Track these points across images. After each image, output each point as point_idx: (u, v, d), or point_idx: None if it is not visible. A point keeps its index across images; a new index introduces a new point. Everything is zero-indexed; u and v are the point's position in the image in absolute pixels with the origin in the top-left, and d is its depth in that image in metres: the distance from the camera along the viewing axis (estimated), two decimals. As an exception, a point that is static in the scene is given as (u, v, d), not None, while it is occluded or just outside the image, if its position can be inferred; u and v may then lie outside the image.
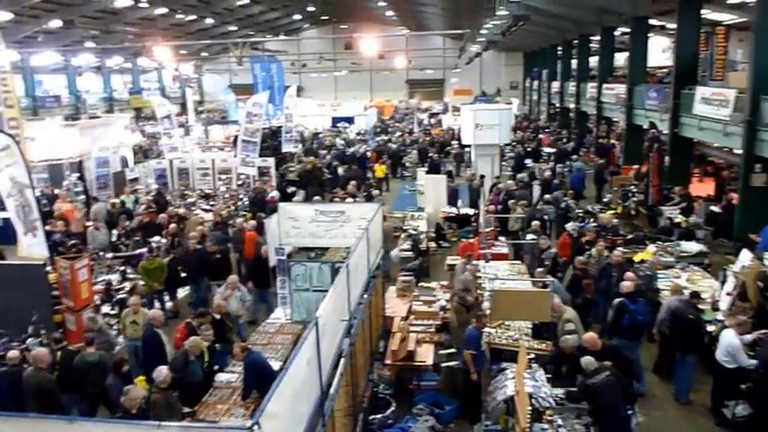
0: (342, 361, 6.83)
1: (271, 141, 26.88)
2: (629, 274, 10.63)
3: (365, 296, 8.77)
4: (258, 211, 17.35)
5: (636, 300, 10.06)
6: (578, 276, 11.93)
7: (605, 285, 11.44)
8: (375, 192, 20.53)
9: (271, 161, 22.59)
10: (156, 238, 15.18)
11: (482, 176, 21.02)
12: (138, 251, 14.57)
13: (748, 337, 9.08)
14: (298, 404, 4.88)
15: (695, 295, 10.30)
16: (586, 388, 7.78)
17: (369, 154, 29.50)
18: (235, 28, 49.11)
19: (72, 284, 10.60)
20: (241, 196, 20.98)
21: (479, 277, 11.37)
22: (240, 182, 22.53)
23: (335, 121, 44.18)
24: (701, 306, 10.47)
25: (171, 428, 3.83)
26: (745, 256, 11.57)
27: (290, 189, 22.08)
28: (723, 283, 11.41)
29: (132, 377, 8.87)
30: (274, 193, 19.76)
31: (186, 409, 7.88)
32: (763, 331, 9.14)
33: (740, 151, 16.41)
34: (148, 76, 54.42)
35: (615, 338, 9.73)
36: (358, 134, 39.54)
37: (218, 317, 9.96)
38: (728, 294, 11.00)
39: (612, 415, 7.78)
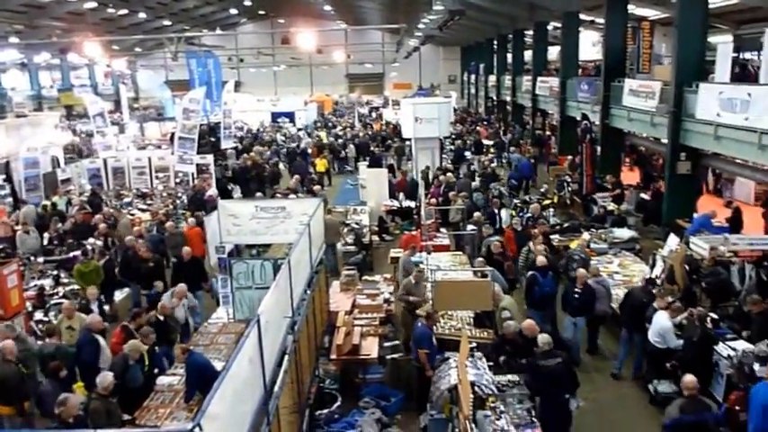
0: (286, 358, 6.84)
1: (209, 138, 26.48)
2: (581, 271, 10.91)
3: (308, 292, 8.78)
4: (198, 210, 17.10)
5: (545, 273, 11.01)
6: (498, 260, 12.33)
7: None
8: (317, 187, 20.48)
9: (209, 158, 22.28)
10: (91, 240, 14.78)
11: (440, 169, 21.35)
12: (71, 254, 14.12)
13: (678, 319, 9.50)
14: (240, 404, 4.87)
15: (651, 282, 10.86)
16: (537, 368, 8.06)
17: (309, 149, 29.41)
18: (169, 23, 48.06)
19: (0, 291, 10.23)
20: (179, 195, 20.62)
21: (422, 271, 11.49)
22: (178, 180, 22.13)
23: (275, 116, 43.78)
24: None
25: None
26: (673, 241, 12.11)
27: (230, 186, 21.87)
28: (652, 267, 11.90)
29: (70, 383, 8.65)
30: (213, 191, 19.51)
31: (126, 416, 7.74)
32: (689, 311, 9.54)
33: (666, 141, 17.06)
34: (79, 73, 52.61)
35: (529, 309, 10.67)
36: (300, 129, 39.35)
37: (162, 318, 9.80)
38: (657, 277, 11.47)
39: (554, 399, 8.12)
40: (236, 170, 23.61)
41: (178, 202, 19.74)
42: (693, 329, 9.08)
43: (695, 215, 15.40)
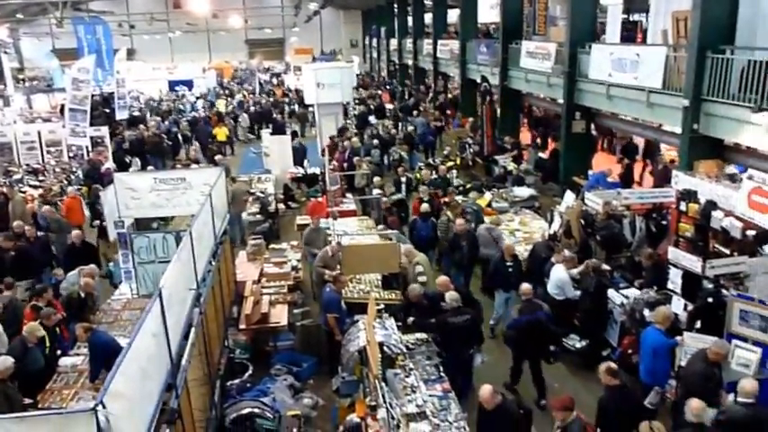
0: (192, 330, 6.74)
1: (102, 109, 25.29)
2: (508, 243, 11.13)
3: (213, 263, 8.64)
4: (94, 184, 16.39)
5: (426, 219, 12.28)
6: (384, 216, 13.09)
7: (458, 257, 11.44)
8: (218, 156, 19.98)
9: (104, 130, 21.31)
10: (-21, 221, 13.89)
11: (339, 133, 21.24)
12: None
13: (574, 271, 9.97)
14: (146, 380, 4.77)
15: (552, 238, 11.31)
16: (445, 325, 8.31)
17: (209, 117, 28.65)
18: (52, -13, 45.08)
19: None
20: (74, 169, 19.66)
21: (339, 243, 11.47)
22: (72, 154, 21.09)
23: (173, 84, 42.30)
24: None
25: (3, 421, 3.63)
26: (569, 198, 12.63)
27: (128, 159, 21.05)
28: (550, 222, 12.39)
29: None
30: (110, 164, 18.75)
31: (28, 400, 7.44)
32: (586, 263, 10.02)
33: (562, 101, 17.68)
34: (-46, 43, 48.73)
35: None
36: (198, 98, 38.23)
37: (83, 295, 9.53)
38: (555, 233, 11.98)
39: (460, 354, 8.45)
40: (134, 142, 22.71)
41: (73, 177, 18.84)
42: (589, 280, 9.57)
43: (591, 172, 16.12)
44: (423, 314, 8.94)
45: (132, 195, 10.34)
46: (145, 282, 9.60)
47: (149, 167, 18.66)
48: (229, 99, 37.35)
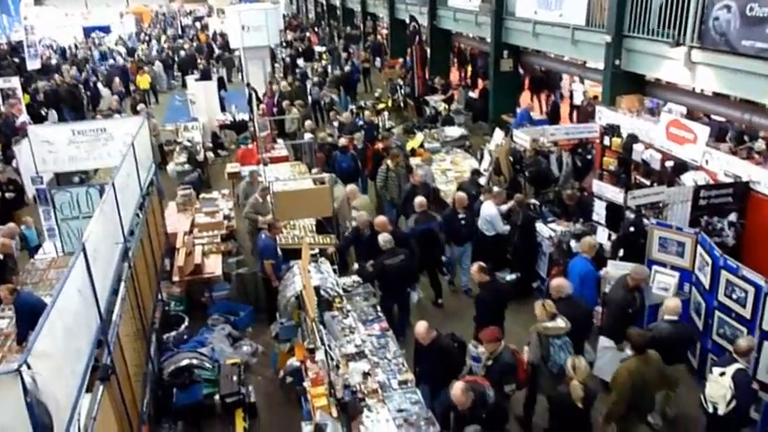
0: (122, 285, 6.59)
1: (12, 59, 23.87)
2: (460, 194, 10.55)
3: (140, 215, 8.42)
4: (8, 139, 15.61)
5: (345, 152, 12.72)
6: (315, 152, 13.51)
7: (411, 208, 10.28)
8: (141, 105, 19.20)
9: (15, 81, 20.14)
10: None
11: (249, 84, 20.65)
12: None
13: (504, 207, 10.16)
14: (74, 337, 4.64)
15: (476, 172, 11.53)
16: (383, 267, 8.40)
17: (128, 65, 27.45)
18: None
19: None
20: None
21: (267, 188, 11.30)
22: (-19, 109, 19.92)
23: (88, 31, 40.24)
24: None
25: None
26: (498, 135, 12.78)
27: (45, 111, 20.05)
28: (480, 160, 12.54)
29: None
30: (25, 118, 17.83)
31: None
32: (516, 197, 10.22)
33: (490, 40, 17.68)
34: None
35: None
36: (117, 43, 36.59)
37: (0, 256, 9.11)
38: (485, 170, 12.15)
39: (397, 292, 8.64)
40: (48, 93, 21.59)
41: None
42: (516, 215, 9.80)
43: (518, 110, 16.31)
44: (363, 247, 9.06)
45: (49, 149, 9.92)
46: (69, 239, 9.35)
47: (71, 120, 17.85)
48: (147, 45, 35.82)
